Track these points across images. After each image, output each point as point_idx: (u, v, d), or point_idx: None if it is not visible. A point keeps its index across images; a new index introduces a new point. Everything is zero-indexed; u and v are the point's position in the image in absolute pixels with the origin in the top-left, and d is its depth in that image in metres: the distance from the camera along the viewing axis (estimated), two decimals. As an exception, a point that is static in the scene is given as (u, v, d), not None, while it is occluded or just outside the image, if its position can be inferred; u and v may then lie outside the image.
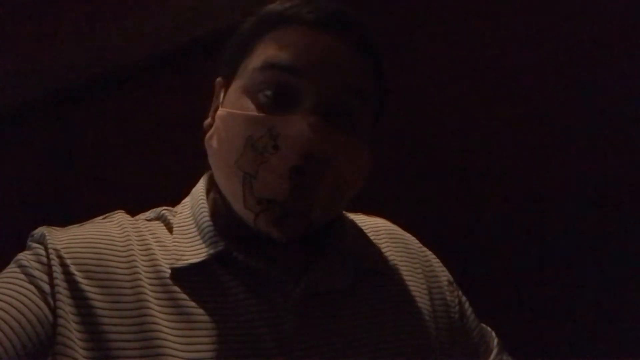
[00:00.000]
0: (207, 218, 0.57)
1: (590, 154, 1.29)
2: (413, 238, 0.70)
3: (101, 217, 0.60)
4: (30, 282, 0.49)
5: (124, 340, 0.49)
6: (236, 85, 0.56)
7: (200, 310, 0.52)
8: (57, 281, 0.49)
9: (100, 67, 1.39)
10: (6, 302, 0.47)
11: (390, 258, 0.65)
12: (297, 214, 0.52)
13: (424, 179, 1.35)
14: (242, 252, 0.54)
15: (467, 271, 0.77)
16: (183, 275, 0.53)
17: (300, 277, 0.55)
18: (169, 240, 0.57)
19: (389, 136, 0.85)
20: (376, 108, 0.59)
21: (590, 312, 1.27)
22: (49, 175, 1.38)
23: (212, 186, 0.61)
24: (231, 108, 0.55)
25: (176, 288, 0.53)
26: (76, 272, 0.50)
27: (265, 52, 0.54)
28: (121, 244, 0.54)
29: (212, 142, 0.56)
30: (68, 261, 0.51)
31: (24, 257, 0.52)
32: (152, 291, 0.52)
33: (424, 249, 0.70)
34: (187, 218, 0.59)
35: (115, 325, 0.49)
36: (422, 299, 0.63)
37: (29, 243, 0.54)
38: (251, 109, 0.53)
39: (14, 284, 0.49)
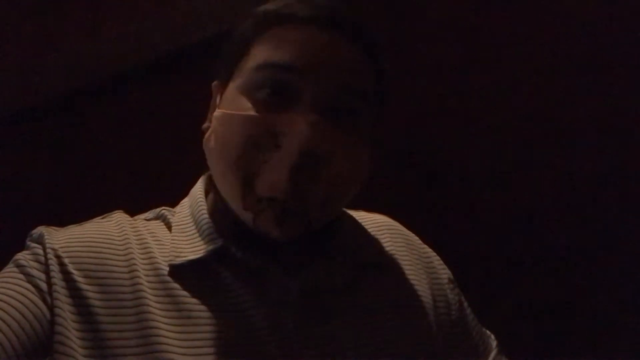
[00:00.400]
0: (206, 216, 0.57)
1: (590, 154, 1.29)
2: (414, 235, 0.70)
3: (100, 217, 0.60)
4: (29, 281, 0.49)
5: (123, 338, 0.49)
6: (233, 86, 0.56)
7: (199, 307, 0.52)
8: (54, 280, 0.49)
9: (101, 68, 1.39)
10: (5, 302, 0.47)
11: (391, 252, 0.64)
12: (297, 213, 0.52)
13: (424, 179, 1.35)
14: (241, 250, 0.54)
15: (465, 272, 0.76)
16: (181, 273, 0.53)
17: (299, 274, 0.55)
18: (168, 238, 0.57)
19: (389, 136, 0.85)
20: (376, 107, 0.58)
21: (590, 312, 1.27)
22: (49, 175, 1.38)
23: (210, 187, 0.61)
24: (229, 109, 0.55)
25: (174, 285, 0.53)
26: (74, 271, 0.50)
27: (261, 52, 0.54)
28: (119, 242, 0.54)
29: (210, 143, 0.56)
30: (66, 260, 0.51)
31: (22, 256, 0.52)
32: (151, 289, 0.52)
33: (425, 246, 0.69)
34: (186, 217, 0.59)
35: (113, 323, 0.49)
36: (423, 295, 0.62)
37: (28, 243, 0.54)
38: (249, 109, 0.53)
39: (12, 283, 0.49)
